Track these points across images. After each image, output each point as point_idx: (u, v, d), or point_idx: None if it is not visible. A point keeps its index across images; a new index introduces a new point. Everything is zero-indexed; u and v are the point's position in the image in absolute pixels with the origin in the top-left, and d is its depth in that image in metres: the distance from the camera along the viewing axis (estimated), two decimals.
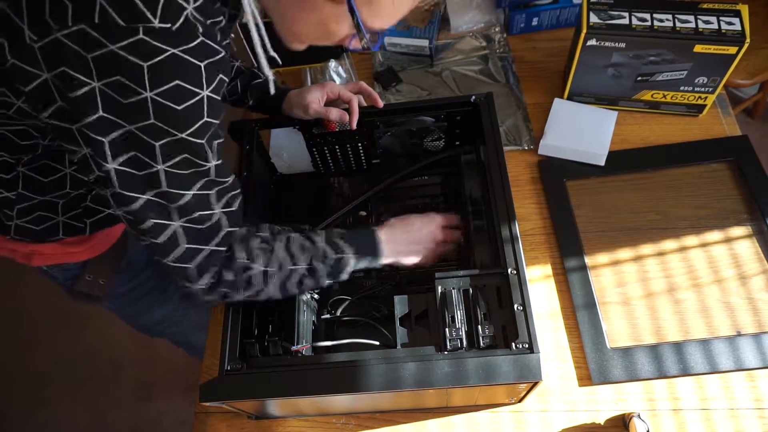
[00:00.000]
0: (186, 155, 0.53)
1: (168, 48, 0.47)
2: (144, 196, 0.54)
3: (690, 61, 0.92)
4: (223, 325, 0.69)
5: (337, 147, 0.90)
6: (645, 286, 0.86)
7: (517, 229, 0.70)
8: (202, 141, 0.53)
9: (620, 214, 0.93)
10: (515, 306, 0.64)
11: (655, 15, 0.91)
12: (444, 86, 1.13)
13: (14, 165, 0.65)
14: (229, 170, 0.61)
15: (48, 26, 0.45)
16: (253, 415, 0.80)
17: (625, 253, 0.89)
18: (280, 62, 0.63)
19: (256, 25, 0.58)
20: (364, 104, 0.87)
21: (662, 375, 0.78)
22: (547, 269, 0.89)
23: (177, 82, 0.49)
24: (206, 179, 0.57)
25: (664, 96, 1.00)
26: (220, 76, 0.53)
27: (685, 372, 0.77)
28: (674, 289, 0.85)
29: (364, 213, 0.93)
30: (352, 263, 0.70)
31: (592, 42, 0.92)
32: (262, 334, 0.73)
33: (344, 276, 0.71)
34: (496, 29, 1.19)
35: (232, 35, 0.95)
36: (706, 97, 0.98)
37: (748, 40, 0.87)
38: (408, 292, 0.79)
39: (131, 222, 0.56)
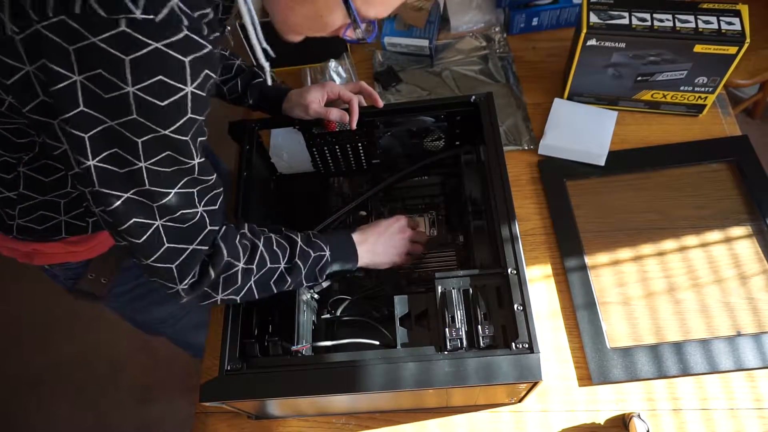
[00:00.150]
0: (169, 152, 0.52)
1: (151, 42, 0.46)
2: (125, 195, 0.53)
3: (690, 61, 0.92)
4: (223, 325, 0.69)
5: (337, 147, 0.90)
6: (645, 286, 0.86)
7: (517, 229, 0.70)
8: (187, 138, 0.52)
9: (620, 214, 0.93)
10: (515, 306, 0.64)
11: (655, 15, 0.91)
12: (444, 86, 1.13)
13: (15, 165, 0.65)
14: (211, 169, 0.60)
15: (29, 18, 0.44)
16: (253, 415, 0.80)
17: (625, 253, 0.89)
18: (273, 55, 0.63)
19: (250, 14, 0.57)
20: (365, 104, 0.87)
21: (662, 375, 0.78)
22: (547, 269, 0.89)
23: (160, 77, 0.47)
24: (189, 177, 0.56)
25: (664, 96, 1.00)
26: (206, 71, 0.52)
27: (685, 372, 0.77)
28: (674, 289, 0.85)
29: (364, 213, 0.93)
30: (330, 263, 0.72)
31: (592, 42, 0.92)
32: (262, 334, 0.73)
33: (322, 277, 0.73)
34: (496, 29, 1.19)
35: (229, 33, 0.95)
36: (706, 97, 0.98)
37: (748, 40, 0.87)
38: (408, 292, 0.79)
39: (110, 223, 0.55)
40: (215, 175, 0.61)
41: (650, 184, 0.95)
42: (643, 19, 0.90)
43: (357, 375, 0.62)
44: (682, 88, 0.97)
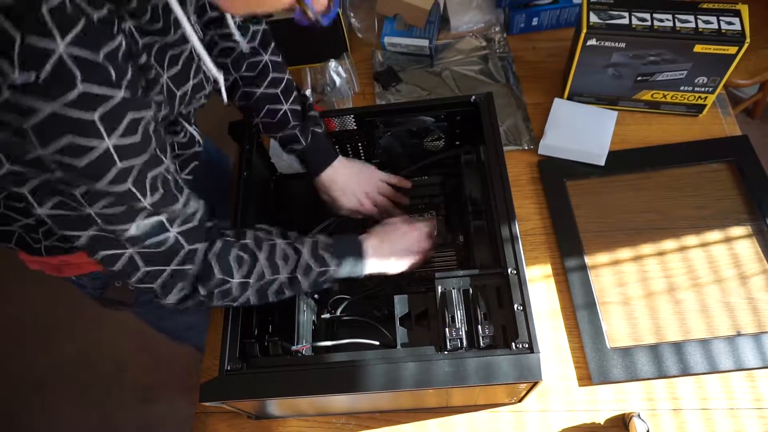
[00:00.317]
0: (112, 199, 0.48)
1: (41, 105, 0.40)
2: (86, 233, 0.51)
3: (690, 61, 0.92)
4: (223, 325, 0.69)
5: (337, 147, 0.90)
6: (645, 286, 0.86)
7: (517, 229, 0.70)
8: (127, 185, 0.48)
9: (620, 214, 0.93)
10: (515, 306, 0.64)
11: (655, 15, 0.91)
12: (444, 86, 1.13)
13: (22, 193, 0.65)
14: (180, 188, 0.56)
15: None
16: (253, 415, 0.80)
17: (625, 253, 0.89)
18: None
19: (196, 32, 0.55)
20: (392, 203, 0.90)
21: (662, 375, 0.78)
22: (547, 269, 0.89)
23: (69, 139, 0.43)
24: (147, 212, 0.52)
25: (664, 96, 1.00)
26: (130, 117, 0.46)
27: (685, 372, 0.77)
28: (674, 289, 0.85)
29: None
30: (335, 277, 0.70)
31: (592, 42, 0.92)
32: (262, 334, 0.73)
33: (326, 286, 0.71)
34: (496, 29, 1.19)
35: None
36: (706, 97, 0.98)
37: (748, 40, 0.87)
38: (408, 292, 0.79)
39: (86, 253, 0.53)
40: (186, 192, 0.57)
41: (650, 184, 0.95)
42: (643, 19, 0.90)
43: (357, 375, 0.62)
44: (682, 88, 0.97)
